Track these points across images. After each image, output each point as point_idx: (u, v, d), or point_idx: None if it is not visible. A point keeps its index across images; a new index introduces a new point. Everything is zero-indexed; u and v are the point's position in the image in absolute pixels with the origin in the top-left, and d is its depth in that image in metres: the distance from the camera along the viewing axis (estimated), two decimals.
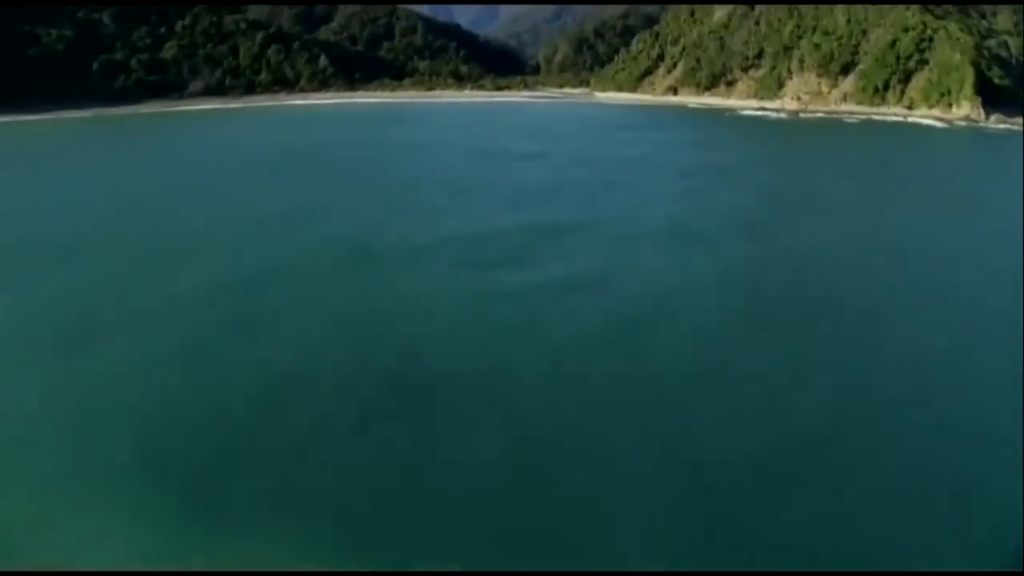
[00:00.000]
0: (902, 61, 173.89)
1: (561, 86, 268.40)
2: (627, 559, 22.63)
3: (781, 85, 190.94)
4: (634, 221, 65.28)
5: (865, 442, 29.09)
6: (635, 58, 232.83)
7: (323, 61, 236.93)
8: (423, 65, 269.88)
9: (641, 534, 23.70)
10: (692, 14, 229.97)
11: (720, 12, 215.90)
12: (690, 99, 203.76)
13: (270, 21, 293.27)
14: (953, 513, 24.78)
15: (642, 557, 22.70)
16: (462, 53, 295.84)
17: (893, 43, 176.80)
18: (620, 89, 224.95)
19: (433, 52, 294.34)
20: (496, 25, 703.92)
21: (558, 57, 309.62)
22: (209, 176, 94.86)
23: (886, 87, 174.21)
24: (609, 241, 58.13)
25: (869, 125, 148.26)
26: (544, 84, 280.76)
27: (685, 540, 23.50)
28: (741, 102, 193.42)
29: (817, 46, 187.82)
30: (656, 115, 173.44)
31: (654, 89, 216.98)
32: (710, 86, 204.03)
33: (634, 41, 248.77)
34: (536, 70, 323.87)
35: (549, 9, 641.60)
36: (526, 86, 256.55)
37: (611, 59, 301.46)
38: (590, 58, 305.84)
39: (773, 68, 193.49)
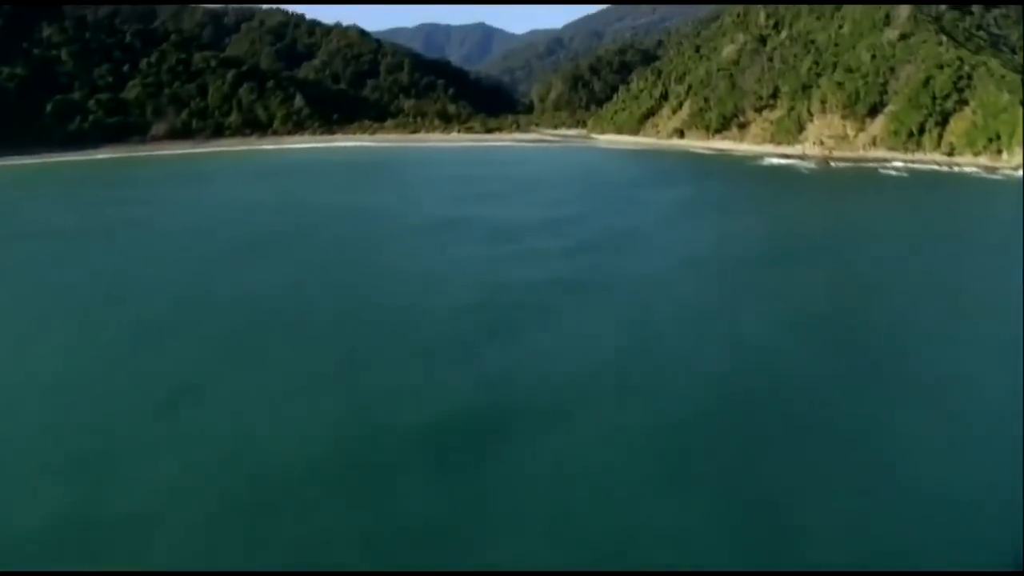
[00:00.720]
0: (938, 102, 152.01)
1: (556, 126, 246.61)
2: None
3: (801, 128, 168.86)
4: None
5: None
6: (636, 97, 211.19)
7: (298, 101, 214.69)
8: (409, 104, 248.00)
9: None
10: (697, 50, 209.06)
11: (729, 48, 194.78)
12: (699, 143, 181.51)
13: (246, 59, 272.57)
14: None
15: None
16: (451, 91, 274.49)
17: (927, 81, 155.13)
18: (620, 131, 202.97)
19: (420, 90, 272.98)
20: (488, 60, 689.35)
21: (552, 95, 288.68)
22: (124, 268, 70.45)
23: (921, 130, 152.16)
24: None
25: (915, 177, 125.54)
26: (538, 124, 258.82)
27: None
28: (757, 147, 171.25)
29: (840, 84, 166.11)
30: (664, 164, 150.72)
31: (658, 132, 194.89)
32: (720, 128, 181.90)
33: (633, 79, 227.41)
34: (529, 109, 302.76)
35: (542, 44, 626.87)
36: (518, 127, 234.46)
37: (608, 97, 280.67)
38: (586, 96, 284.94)
39: (791, 109, 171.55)
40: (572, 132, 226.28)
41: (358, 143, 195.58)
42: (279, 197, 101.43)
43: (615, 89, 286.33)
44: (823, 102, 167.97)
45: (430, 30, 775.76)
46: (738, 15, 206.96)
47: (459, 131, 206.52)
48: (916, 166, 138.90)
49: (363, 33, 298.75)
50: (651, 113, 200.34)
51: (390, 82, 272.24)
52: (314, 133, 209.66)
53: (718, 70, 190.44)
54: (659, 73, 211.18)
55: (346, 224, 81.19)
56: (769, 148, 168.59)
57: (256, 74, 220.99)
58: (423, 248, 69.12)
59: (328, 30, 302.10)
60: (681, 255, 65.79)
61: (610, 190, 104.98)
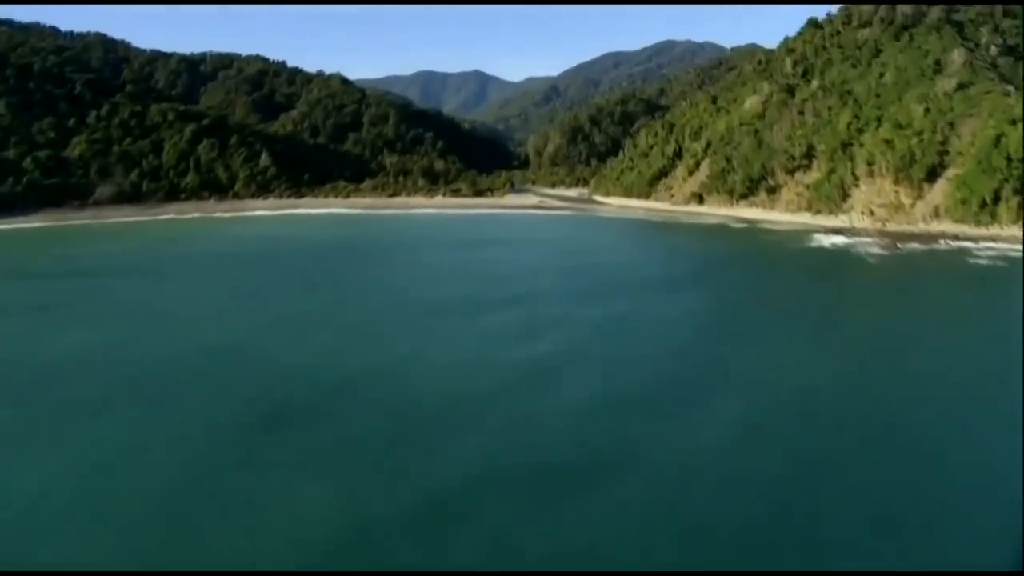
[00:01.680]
0: (1015, 164, 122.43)
1: (554, 184, 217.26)
2: None
3: (845, 194, 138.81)
4: None
5: None
6: (645, 155, 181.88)
7: (264, 160, 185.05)
8: (392, 161, 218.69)
9: None
10: (714, 101, 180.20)
11: (752, 99, 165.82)
12: (722, 211, 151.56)
13: (220, 109, 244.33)
14: None
15: None
16: (439, 145, 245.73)
17: (998, 139, 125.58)
18: (629, 194, 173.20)
19: (406, 144, 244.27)
20: (484, 108, 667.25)
21: (549, 148, 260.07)
22: None
23: (996, 198, 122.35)
24: None
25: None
26: (534, 181, 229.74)
27: None
28: (792, 216, 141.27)
29: (889, 143, 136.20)
30: (692, 244, 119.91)
31: (672, 196, 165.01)
32: (747, 193, 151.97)
33: (641, 133, 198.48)
34: (525, 163, 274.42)
35: (538, 92, 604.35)
36: (512, 186, 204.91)
37: (610, 151, 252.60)
38: (585, 149, 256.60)
39: (831, 172, 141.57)
40: (573, 193, 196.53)
41: (327, 209, 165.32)
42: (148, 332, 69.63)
43: (617, 142, 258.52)
44: (869, 164, 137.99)
45: (426, 77, 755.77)
46: (759, 62, 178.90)
47: (444, 194, 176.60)
48: (1003, 247, 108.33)
49: (346, 82, 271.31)
50: (663, 173, 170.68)
51: (374, 135, 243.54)
52: (280, 196, 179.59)
53: (740, 125, 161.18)
54: (670, 127, 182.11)
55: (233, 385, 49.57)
56: (807, 218, 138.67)
57: (219, 129, 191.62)
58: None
59: (309, 78, 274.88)
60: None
61: (634, 303, 73.10)
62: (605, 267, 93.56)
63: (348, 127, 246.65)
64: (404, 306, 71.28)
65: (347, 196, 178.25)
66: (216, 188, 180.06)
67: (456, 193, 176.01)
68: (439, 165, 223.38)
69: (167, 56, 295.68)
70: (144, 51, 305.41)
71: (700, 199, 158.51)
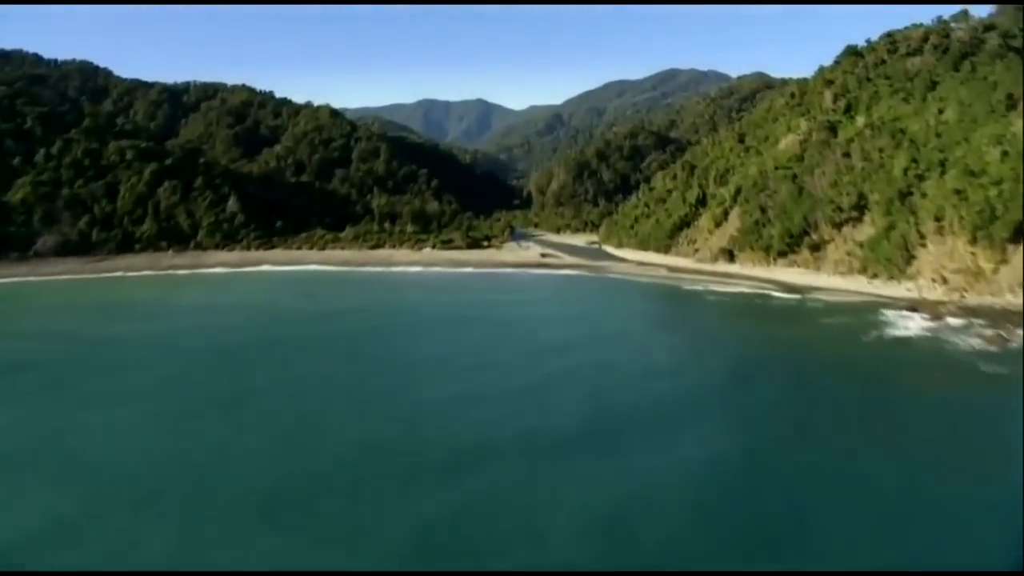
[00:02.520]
0: None
1: (559, 229, 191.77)
2: None
3: (909, 256, 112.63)
4: None
5: None
6: (662, 200, 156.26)
7: (232, 205, 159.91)
8: (380, 202, 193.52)
9: None
10: (742, 139, 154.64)
11: (788, 139, 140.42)
12: (757, 270, 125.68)
13: (196, 145, 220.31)
14: None
15: None
16: (434, 183, 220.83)
17: None
18: (645, 246, 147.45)
19: (398, 182, 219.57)
20: (487, 137, 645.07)
21: (553, 186, 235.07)
22: None
23: None
24: None
25: None
26: (537, 224, 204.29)
27: None
28: (843, 281, 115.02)
29: (960, 193, 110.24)
30: (730, 331, 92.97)
31: (696, 250, 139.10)
32: (786, 250, 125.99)
33: (657, 176, 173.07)
34: (527, 201, 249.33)
35: (541, 121, 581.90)
36: (512, 232, 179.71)
37: (619, 188, 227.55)
38: (593, 187, 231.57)
39: (889, 228, 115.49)
40: (580, 241, 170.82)
41: (296, 266, 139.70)
42: None
43: (626, 179, 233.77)
44: (937, 219, 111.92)
45: (429, 106, 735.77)
46: (792, 95, 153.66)
47: (435, 245, 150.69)
48: None
49: (335, 113, 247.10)
50: (685, 223, 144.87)
51: (363, 172, 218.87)
52: (248, 247, 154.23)
53: (776, 168, 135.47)
54: (691, 169, 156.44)
55: None
56: (863, 284, 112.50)
57: (183, 169, 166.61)
58: None
59: (297, 109, 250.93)
60: None
61: (654, 457, 46.54)
62: (616, 372, 67.16)
63: (335, 163, 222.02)
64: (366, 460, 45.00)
65: (323, 247, 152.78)
66: (176, 237, 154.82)
67: (448, 244, 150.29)
68: (432, 207, 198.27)
69: (148, 86, 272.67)
70: (126, 80, 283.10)
71: (730, 256, 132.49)
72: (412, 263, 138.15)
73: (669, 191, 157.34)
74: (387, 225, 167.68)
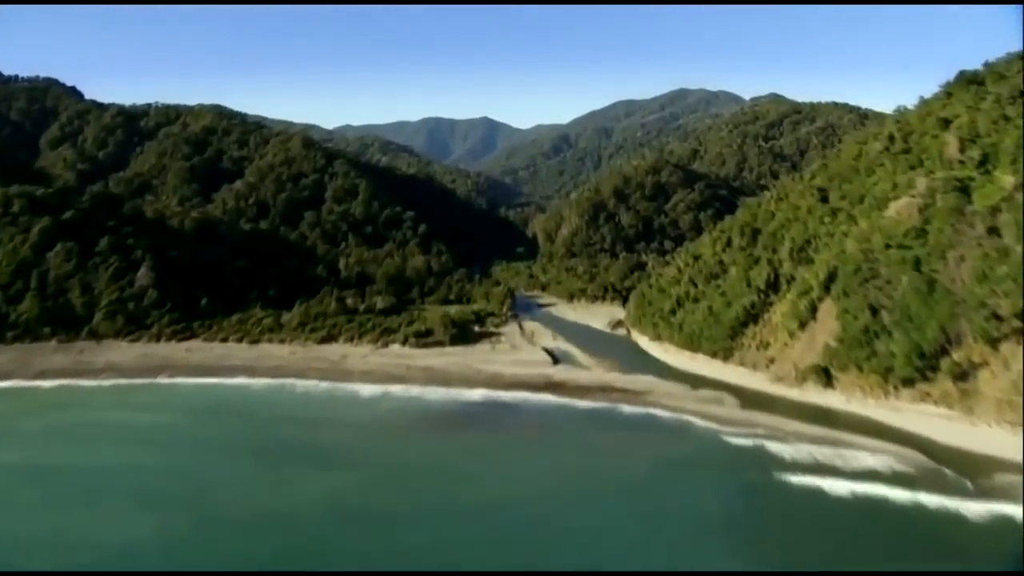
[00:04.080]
0: None
1: (571, 296, 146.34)
2: None
3: None
4: None
5: None
6: (714, 276, 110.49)
7: (143, 276, 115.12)
8: (350, 261, 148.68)
9: None
10: (825, 197, 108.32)
11: (901, 204, 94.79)
12: (873, 407, 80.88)
13: (148, 176, 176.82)
14: None
15: None
16: (422, 229, 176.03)
17: None
18: (694, 344, 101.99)
19: (379, 227, 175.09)
20: (492, 156, 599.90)
21: (564, 231, 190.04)
22: None
23: None
24: None
25: None
26: (545, 287, 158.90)
27: None
28: (1019, 438, 69.77)
29: None
30: None
31: (771, 362, 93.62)
32: (913, 377, 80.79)
33: (704, 240, 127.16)
34: (533, 249, 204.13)
35: (547, 141, 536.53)
36: (512, 302, 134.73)
37: (641, 236, 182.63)
38: (610, 234, 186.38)
39: None
40: (601, 321, 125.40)
41: (207, 378, 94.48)
42: None
43: (648, 223, 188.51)
44: None
45: (434, 124, 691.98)
46: (891, 138, 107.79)
47: (406, 339, 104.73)
48: None
49: (309, 144, 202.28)
50: (752, 316, 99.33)
51: (337, 216, 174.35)
52: (159, 335, 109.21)
53: (887, 247, 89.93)
54: (752, 234, 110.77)
55: None
56: None
57: (88, 224, 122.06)
58: None
59: (266, 138, 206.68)
60: None
61: None
62: None
63: (305, 204, 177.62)
64: None
65: (258, 339, 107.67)
66: (65, 321, 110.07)
67: (424, 338, 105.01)
68: (416, 263, 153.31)
69: (103, 108, 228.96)
70: (83, 100, 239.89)
71: (826, 376, 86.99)
72: (368, 375, 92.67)
73: (722, 263, 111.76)
74: (350, 300, 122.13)
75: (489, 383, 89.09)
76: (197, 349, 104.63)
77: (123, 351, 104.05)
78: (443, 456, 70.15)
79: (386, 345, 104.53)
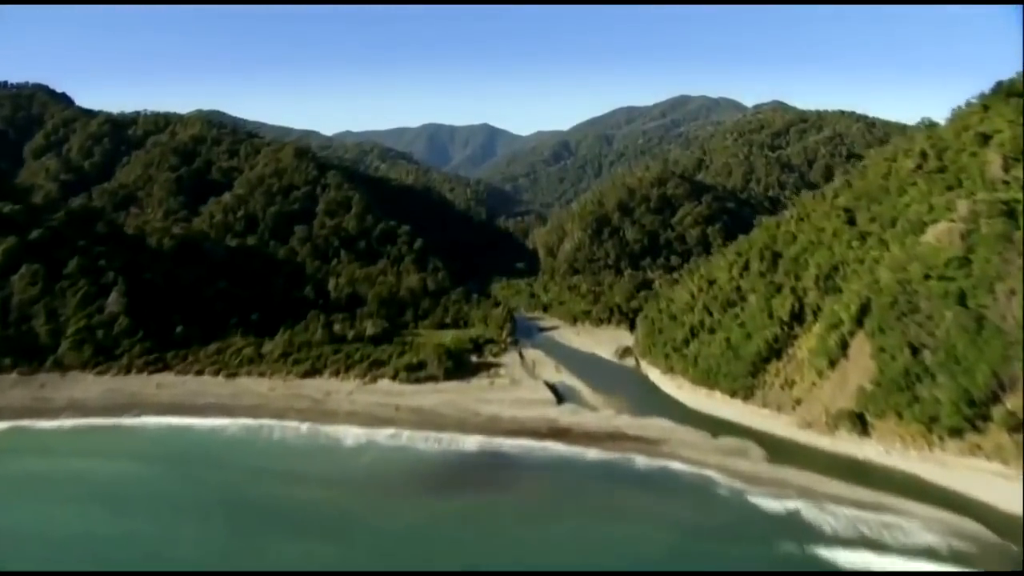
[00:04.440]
0: None
1: (575, 319, 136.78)
2: None
3: None
4: None
5: None
6: (731, 304, 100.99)
7: (114, 301, 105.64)
8: (340, 281, 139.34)
9: None
10: (852, 220, 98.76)
11: (940, 229, 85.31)
12: (917, 462, 71.42)
13: (132, 188, 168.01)
14: None
15: None
16: (418, 244, 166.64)
17: None
18: (710, 381, 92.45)
19: (373, 243, 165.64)
20: (492, 163, 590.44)
21: (566, 246, 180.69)
22: None
23: None
24: None
25: None
26: (548, 307, 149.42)
27: None
28: None
29: None
30: None
31: (798, 402, 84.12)
32: (960, 427, 71.35)
33: (717, 258, 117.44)
34: (533, 263, 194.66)
35: (548, 148, 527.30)
36: (512, 326, 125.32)
37: (645, 251, 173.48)
38: (614, 249, 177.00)
39: None
40: (607, 349, 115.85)
41: (178, 418, 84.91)
42: None
43: (655, 238, 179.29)
44: None
45: (434, 130, 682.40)
46: (922, 154, 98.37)
47: (396, 373, 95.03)
48: None
49: (301, 153, 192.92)
50: (775, 351, 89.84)
51: (328, 230, 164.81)
52: (129, 366, 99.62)
53: (926, 277, 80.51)
54: (773, 258, 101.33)
55: None
56: None
57: (56, 243, 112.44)
58: None
59: (257, 148, 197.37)
60: None
61: None
62: None
63: (296, 217, 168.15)
64: None
65: (236, 371, 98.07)
66: (28, 351, 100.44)
67: (416, 372, 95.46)
68: (411, 281, 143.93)
69: (91, 115, 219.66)
70: (70, 107, 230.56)
71: (861, 423, 77.49)
72: (354, 417, 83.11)
73: (739, 290, 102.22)
74: (338, 326, 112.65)
75: (487, 428, 79.58)
76: (169, 384, 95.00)
77: (88, 386, 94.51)
78: (434, 526, 60.71)
79: (375, 380, 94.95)
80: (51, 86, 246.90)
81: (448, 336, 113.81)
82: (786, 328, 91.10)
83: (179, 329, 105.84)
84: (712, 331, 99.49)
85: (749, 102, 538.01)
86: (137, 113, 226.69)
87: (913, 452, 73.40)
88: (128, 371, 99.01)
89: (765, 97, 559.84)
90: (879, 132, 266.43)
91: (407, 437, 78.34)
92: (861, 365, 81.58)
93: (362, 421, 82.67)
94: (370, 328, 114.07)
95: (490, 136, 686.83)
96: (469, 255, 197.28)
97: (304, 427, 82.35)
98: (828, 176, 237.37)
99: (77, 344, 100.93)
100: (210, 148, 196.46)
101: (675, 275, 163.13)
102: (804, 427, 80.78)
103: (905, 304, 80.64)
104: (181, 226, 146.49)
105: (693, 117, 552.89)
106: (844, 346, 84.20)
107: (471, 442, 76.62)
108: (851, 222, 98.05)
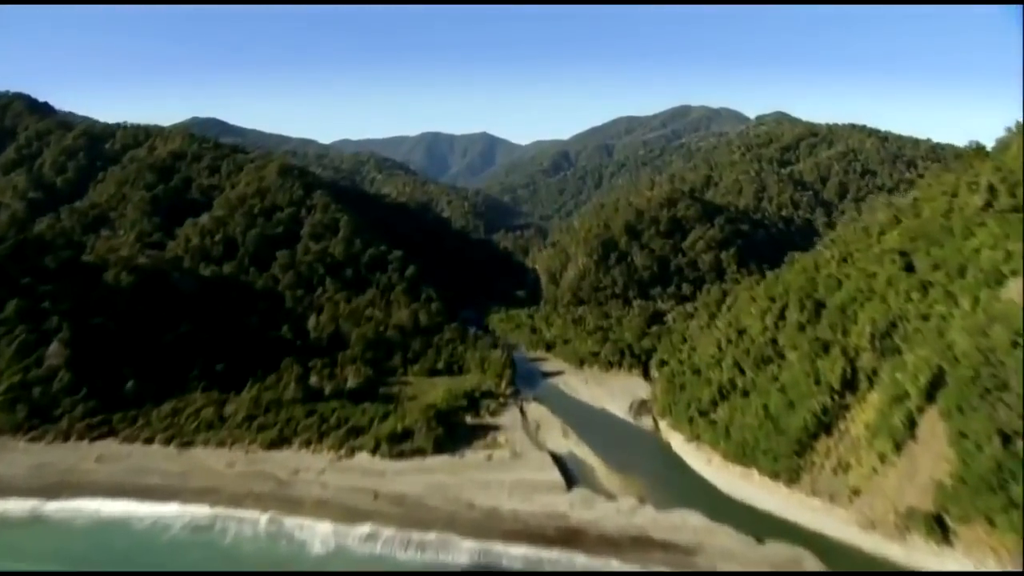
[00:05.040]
0: None
1: (582, 361, 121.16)
2: None
3: None
4: None
5: None
6: (766, 361, 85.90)
7: (54, 353, 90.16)
8: (324, 317, 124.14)
9: None
10: (909, 265, 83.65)
11: (1017, 283, 70.49)
12: None
13: (103, 207, 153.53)
14: None
15: None
16: (410, 271, 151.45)
17: None
18: (746, 457, 77.28)
19: (361, 270, 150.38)
20: (491, 172, 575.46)
21: (570, 273, 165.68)
22: None
23: None
24: None
25: None
26: (551, 346, 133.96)
27: None
28: None
29: None
30: None
31: (855, 492, 69.02)
32: None
33: (748, 303, 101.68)
34: (534, 289, 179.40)
35: (547, 158, 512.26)
36: (512, 373, 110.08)
37: (655, 279, 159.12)
38: (622, 276, 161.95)
39: None
40: (620, 405, 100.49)
41: (124, 501, 69.65)
42: None
43: (665, 264, 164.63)
44: None
45: (432, 139, 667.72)
46: (991, 189, 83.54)
47: (376, 446, 79.48)
48: None
49: (286, 171, 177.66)
50: (826, 425, 74.75)
51: (314, 255, 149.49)
52: (67, 432, 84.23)
53: (1013, 343, 65.54)
54: (815, 307, 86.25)
55: None
56: None
57: None
58: None
59: (240, 165, 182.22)
60: None
61: None
62: None
63: (279, 241, 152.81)
64: None
65: (190, 439, 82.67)
66: None
67: (400, 445, 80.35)
68: (401, 316, 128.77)
69: (67, 127, 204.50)
70: (47, 117, 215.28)
71: (940, 528, 62.39)
72: (323, 507, 67.88)
73: (775, 344, 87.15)
74: (314, 378, 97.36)
75: (482, 528, 64.31)
76: (111, 456, 79.59)
77: (15, 458, 79.08)
78: None
79: (351, 452, 79.61)
80: (33, 95, 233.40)
81: (440, 390, 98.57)
82: (836, 397, 76.04)
83: (130, 384, 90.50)
84: (745, 394, 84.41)
85: (751, 112, 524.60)
86: (117, 125, 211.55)
87: (1010, 567, 58.47)
88: (67, 437, 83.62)
89: (767, 108, 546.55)
90: (892, 147, 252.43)
91: (385, 540, 63.14)
92: (935, 451, 66.57)
93: (334, 514, 67.40)
94: (352, 379, 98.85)
95: (489, 145, 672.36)
96: (466, 279, 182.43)
97: (264, 520, 67.06)
98: (843, 194, 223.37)
99: (9, 404, 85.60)
100: (190, 164, 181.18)
101: (689, 307, 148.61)
102: (866, 527, 65.70)
103: (989, 379, 65.64)
104: (148, 255, 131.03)
105: (694, 127, 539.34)
106: (911, 425, 69.15)
107: (463, 550, 61.42)
108: (908, 268, 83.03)
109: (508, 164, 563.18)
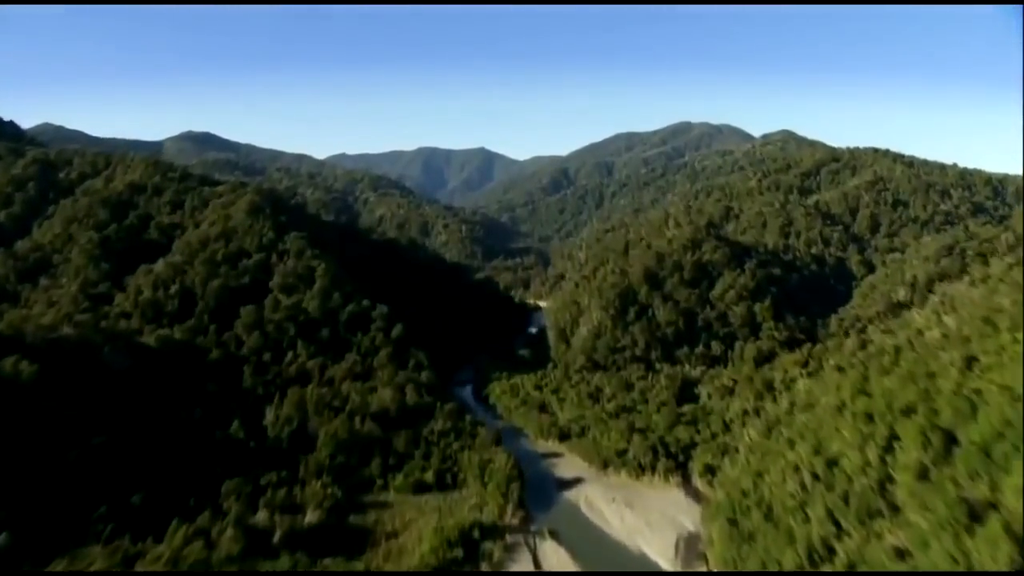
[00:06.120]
0: None
1: (604, 463, 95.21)
2: None
3: None
4: None
5: None
6: (875, 516, 60.90)
7: None
8: (286, 407, 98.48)
9: None
10: (971, 361, 59.12)
11: None
12: None
13: (41, 257, 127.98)
14: None
15: None
16: (397, 330, 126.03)
17: None
18: None
19: (341, 329, 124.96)
20: (488, 189, 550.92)
21: (583, 330, 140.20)
22: None
23: None
24: None
25: None
26: (566, 430, 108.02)
27: None
28: None
29: None
30: None
31: None
32: None
33: (760, 337, 75.87)
34: (542, 350, 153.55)
35: (546, 175, 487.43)
36: (520, 483, 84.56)
37: (681, 336, 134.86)
38: (643, 333, 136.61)
39: None
40: (662, 546, 74.84)
41: None
42: None
43: (691, 318, 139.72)
44: None
45: (429, 154, 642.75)
46: None
47: None
48: None
49: (257, 209, 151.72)
50: None
51: (284, 312, 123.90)
52: None
53: None
54: (945, 441, 61.42)
55: None
56: None
57: None
58: None
59: (206, 200, 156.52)
60: None
61: None
62: None
63: (245, 294, 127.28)
64: None
65: None
66: None
67: None
68: (383, 396, 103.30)
69: (19, 154, 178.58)
70: (22, 136, 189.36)
71: None
72: None
73: (885, 489, 61.89)
74: (263, 513, 71.77)
75: None
76: None
77: None
78: None
79: None
80: None
81: (428, 527, 72.87)
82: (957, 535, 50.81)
83: (2, 538, 64.45)
84: (852, 566, 58.92)
85: (753, 129, 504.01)
86: (75, 151, 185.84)
87: None
88: None
89: (771, 126, 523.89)
90: (921, 174, 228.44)
91: None
92: None
93: None
94: (312, 511, 73.10)
95: (487, 160, 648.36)
96: (462, 328, 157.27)
97: None
98: (874, 227, 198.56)
99: None
100: (149, 199, 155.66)
101: (722, 374, 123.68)
102: None
103: None
104: (77, 320, 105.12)
105: (695, 145, 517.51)
106: None
107: None
108: (970, 365, 58.03)
109: (506, 180, 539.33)
